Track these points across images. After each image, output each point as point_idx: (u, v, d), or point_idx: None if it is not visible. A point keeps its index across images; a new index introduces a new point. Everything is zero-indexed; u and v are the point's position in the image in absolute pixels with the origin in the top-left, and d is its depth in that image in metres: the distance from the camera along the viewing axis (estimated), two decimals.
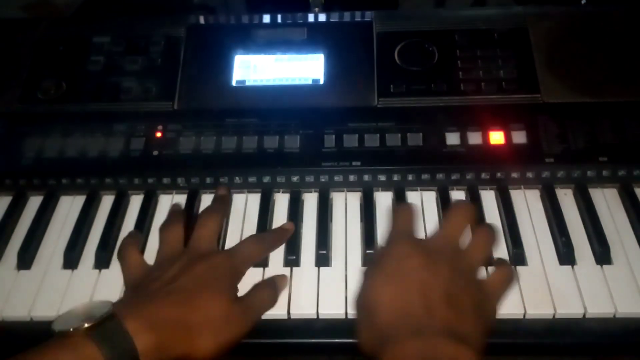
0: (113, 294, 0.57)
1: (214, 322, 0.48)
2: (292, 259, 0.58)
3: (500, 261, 0.56)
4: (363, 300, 0.48)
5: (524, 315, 0.53)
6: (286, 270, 0.58)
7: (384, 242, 0.53)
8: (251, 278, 0.57)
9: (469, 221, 0.53)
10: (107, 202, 0.66)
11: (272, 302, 0.54)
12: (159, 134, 0.66)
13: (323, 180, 0.64)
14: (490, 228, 0.54)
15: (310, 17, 0.76)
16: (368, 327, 0.46)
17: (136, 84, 0.70)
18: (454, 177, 0.64)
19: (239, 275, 0.55)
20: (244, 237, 0.61)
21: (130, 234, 0.61)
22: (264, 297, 0.54)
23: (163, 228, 0.58)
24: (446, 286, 0.45)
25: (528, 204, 0.63)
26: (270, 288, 0.55)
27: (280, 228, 0.61)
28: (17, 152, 0.66)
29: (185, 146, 0.65)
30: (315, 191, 0.65)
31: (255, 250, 0.57)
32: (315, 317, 0.54)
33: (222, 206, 0.62)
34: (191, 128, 0.66)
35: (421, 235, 0.60)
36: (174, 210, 0.62)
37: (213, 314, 0.48)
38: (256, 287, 0.55)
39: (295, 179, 0.64)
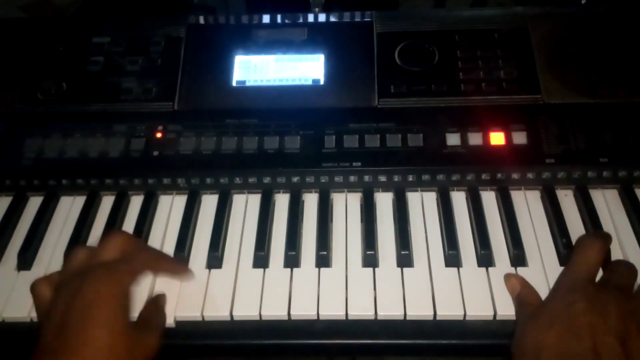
0: None
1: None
2: (292, 254, 0.58)
3: None
4: (526, 342, 0.47)
5: None
6: (286, 271, 0.58)
7: (559, 283, 0.52)
8: (251, 279, 0.57)
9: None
10: (107, 202, 0.66)
11: (165, 318, 0.53)
12: (159, 135, 0.66)
13: (323, 180, 0.64)
14: None
15: (311, 17, 0.76)
16: None
17: (136, 84, 0.70)
18: (455, 177, 0.64)
19: (124, 287, 0.47)
20: (243, 239, 0.61)
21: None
22: (162, 316, 0.53)
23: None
24: (616, 331, 0.44)
25: (528, 205, 0.63)
26: (161, 306, 0.54)
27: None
28: (17, 152, 0.66)
29: (186, 147, 0.65)
30: (315, 192, 0.65)
31: (148, 257, 0.52)
32: (315, 317, 0.54)
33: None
34: (191, 128, 0.66)
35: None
36: None
37: (102, 354, 0.43)
38: (150, 306, 0.53)
39: (295, 179, 0.64)
